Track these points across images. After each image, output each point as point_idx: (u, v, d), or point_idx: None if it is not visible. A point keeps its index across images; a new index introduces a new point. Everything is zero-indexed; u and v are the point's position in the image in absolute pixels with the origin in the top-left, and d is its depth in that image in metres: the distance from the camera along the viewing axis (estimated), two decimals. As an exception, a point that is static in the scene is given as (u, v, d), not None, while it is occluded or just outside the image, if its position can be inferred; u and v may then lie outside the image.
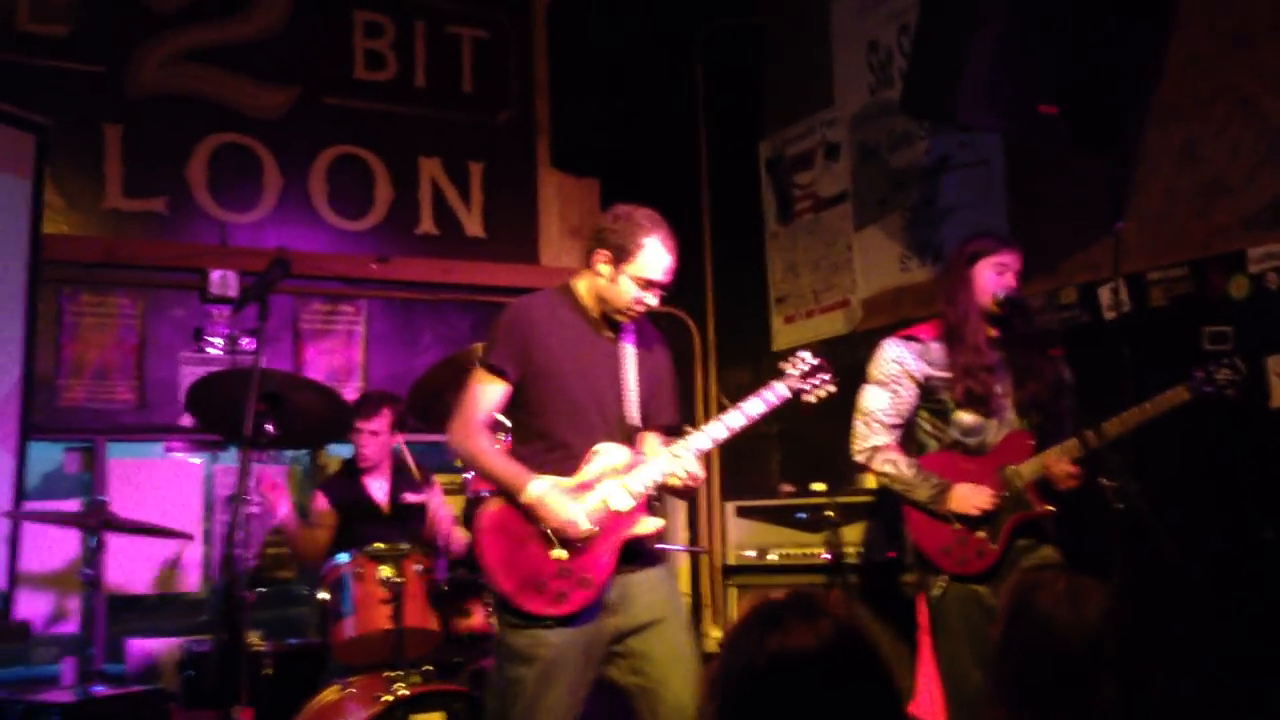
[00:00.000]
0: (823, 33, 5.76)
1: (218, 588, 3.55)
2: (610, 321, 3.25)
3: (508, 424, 3.37)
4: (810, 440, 5.32)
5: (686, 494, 3.28)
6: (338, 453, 5.33)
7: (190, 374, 4.89)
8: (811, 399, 3.30)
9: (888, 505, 4.08)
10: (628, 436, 3.21)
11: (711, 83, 6.43)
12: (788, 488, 5.68)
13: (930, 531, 3.56)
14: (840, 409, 3.69)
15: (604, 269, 3.17)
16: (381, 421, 4.51)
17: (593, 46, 6.07)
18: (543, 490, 3.03)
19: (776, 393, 3.26)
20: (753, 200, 6.19)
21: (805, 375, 3.29)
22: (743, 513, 5.11)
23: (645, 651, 3.13)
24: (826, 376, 3.30)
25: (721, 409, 6.10)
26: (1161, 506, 3.56)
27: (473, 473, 3.59)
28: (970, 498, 3.51)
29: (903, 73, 4.93)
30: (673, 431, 3.31)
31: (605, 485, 3.11)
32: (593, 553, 3.07)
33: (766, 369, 5.97)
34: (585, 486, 3.10)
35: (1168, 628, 3.80)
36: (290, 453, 5.40)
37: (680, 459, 3.11)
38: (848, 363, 3.85)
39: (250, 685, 3.61)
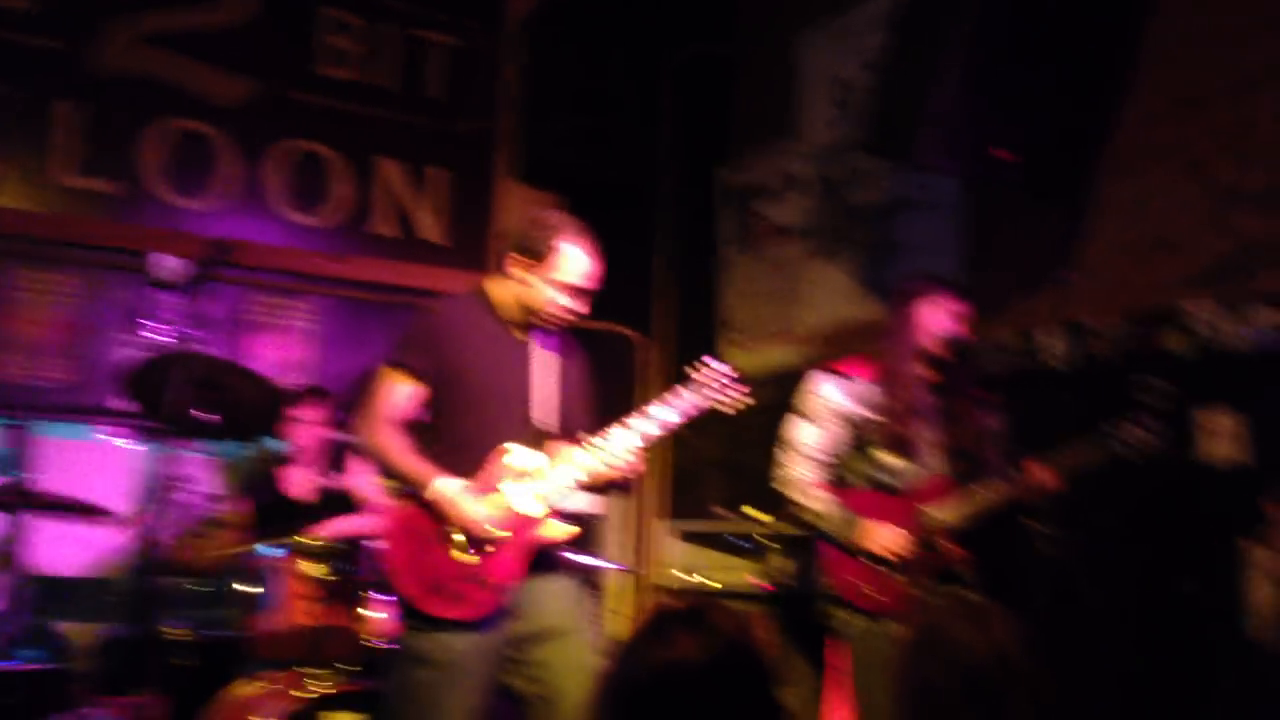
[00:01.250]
0: (791, 66, 5.82)
1: (130, 575, 3.48)
2: (523, 326, 3.23)
3: None
4: (749, 468, 5.32)
5: (622, 486, 3.24)
6: (276, 447, 5.26)
7: (128, 357, 4.81)
8: (727, 410, 3.26)
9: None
10: (537, 441, 3.17)
11: (679, 108, 6.47)
12: (722, 512, 5.68)
13: (844, 567, 3.57)
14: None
15: (518, 273, 3.16)
16: (314, 412, 4.46)
17: (565, 62, 6.08)
18: (450, 490, 2.99)
19: (689, 402, 3.21)
20: (712, 226, 6.21)
21: (716, 386, 3.25)
22: (685, 536, 5.11)
23: (545, 661, 3.10)
24: (744, 389, 3.26)
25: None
26: (1086, 553, 3.61)
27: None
28: (880, 536, 3.53)
29: (865, 110, 4.98)
30: (583, 440, 3.26)
31: (513, 488, 3.08)
32: (498, 557, 3.03)
33: (713, 395, 6.04)
34: (492, 489, 3.07)
35: (1084, 673, 3.83)
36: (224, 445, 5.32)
37: (603, 450, 3.08)
38: (792, 395, 3.88)
39: (167, 674, 3.54)
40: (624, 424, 3.15)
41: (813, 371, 3.88)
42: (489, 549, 3.02)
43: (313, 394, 4.53)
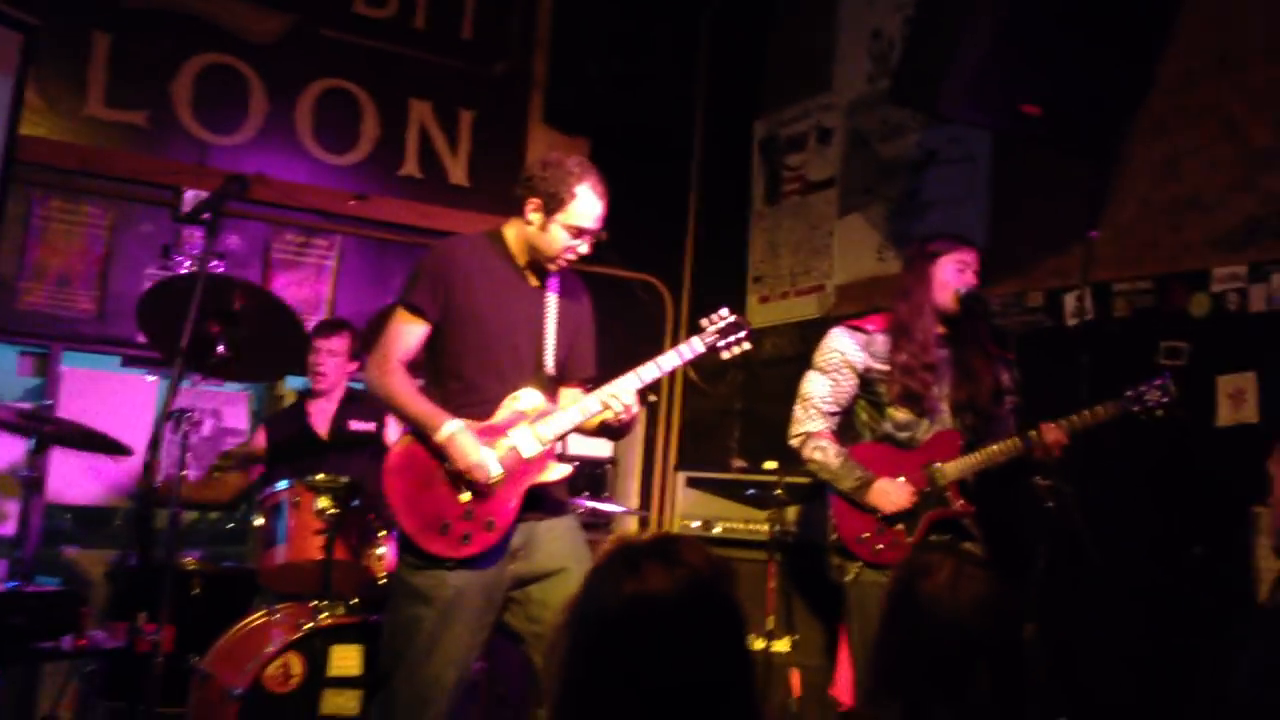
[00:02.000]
0: (829, 17, 5.74)
1: (144, 506, 3.53)
2: (537, 270, 3.23)
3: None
4: (768, 419, 5.32)
5: (620, 430, 3.25)
6: (294, 386, 5.32)
7: (154, 290, 4.86)
8: (726, 355, 3.27)
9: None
10: (543, 385, 3.19)
11: (714, 56, 6.41)
12: (740, 463, 5.70)
13: (851, 519, 3.58)
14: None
15: (535, 217, 3.14)
16: (339, 342, 4.48)
17: (600, 5, 6.02)
18: (455, 431, 3.02)
19: (692, 348, 3.24)
20: (742, 177, 6.17)
21: (722, 333, 3.27)
22: (693, 484, 5.13)
23: (544, 600, 3.13)
24: (743, 334, 3.28)
25: (687, 382, 6.18)
26: (1097, 513, 3.58)
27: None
28: (889, 494, 3.54)
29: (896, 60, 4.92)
30: (589, 385, 3.30)
31: (517, 431, 3.11)
32: (499, 497, 3.06)
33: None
34: (497, 431, 3.09)
35: (1087, 632, 3.82)
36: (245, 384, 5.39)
37: (617, 396, 3.10)
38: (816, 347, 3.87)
39: (176, 603, 3.60)
40: (633, 371, 3.17)
41: (830, 326, 3.88)
42: (486, 488, 3.05)
43: (336, 327, 4.55)
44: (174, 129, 5.24)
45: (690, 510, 5.02)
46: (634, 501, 5.96)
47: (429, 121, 5.85)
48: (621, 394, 3.11)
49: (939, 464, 3.57)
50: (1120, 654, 3.84)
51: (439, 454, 3.04)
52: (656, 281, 6.24)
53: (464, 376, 3.15)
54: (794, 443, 3.72)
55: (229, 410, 5.47)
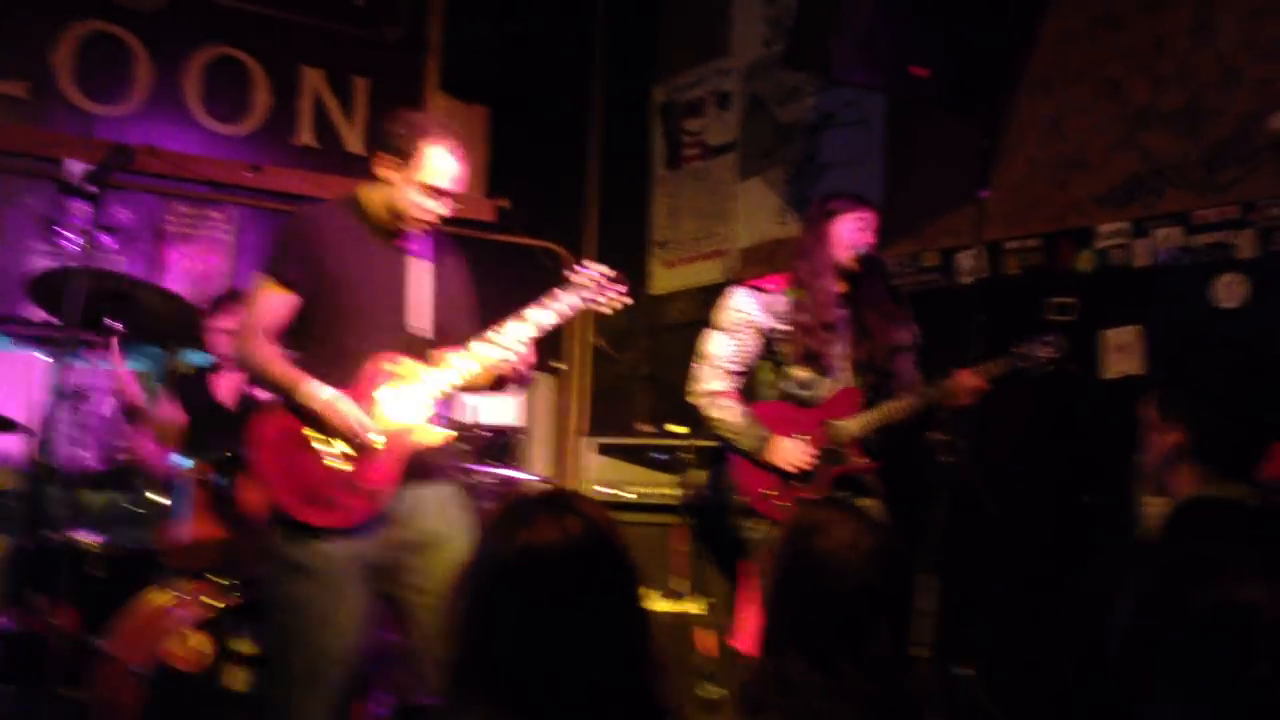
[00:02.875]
0: (725, -20, 5.75)
1: (38, 485, 3.43)
2: (399, 232, 3.15)
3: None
4: (676, 384, 5.37)
5: (516, 380, 3.21)
6: (194, 361, 5.20)
7: (38, 265, 4.72)
8: (606, 310, 3.24)
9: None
10: (414, 348, 3.13)
11: (610, 21, 6.39)
12: (648, 428, 5.74)
13: (754, 478, 3.64)
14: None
15: (389, 175, 3.07)
16: (232, 321, 4.40)
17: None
18: (327, 397, 2.96)
19: (567, 303, 3.18)
20: (643, 143, 6.18)
21: (600, 286, 3.22)
22: (603, 450, 5.15)
23: (424, 569, 3.06)
24: (622, 289, 3.23)
25: (594, 349, 6.20)
26: (991, 466, 3.70)
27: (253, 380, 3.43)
28: (788, 452, 3.60)
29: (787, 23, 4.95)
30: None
31: (388, 395, 3.05)
32: (375, 464, 3.01)
33: (643, 311, 6.06)
34: (368, 397, 3.04)
35: (984, 581, 3.94)
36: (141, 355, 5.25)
37: (512, 342, 3.06)
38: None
39: (78, 585, 3.52)
40: (500, 329, 3.12)
41: (730, 286, 3.92)
42: (363, 455, 3.00)
43: (228, 301, 4.46)
44: (56, 100, 5.07)
45: (600, 476, 5.04)
46: (543, 469, 5.98)
47: (323, 89, 5.74)
48: (513, 341, 3.08)
49: (840, 421, 3.65)
50: (1016, 601, 3.97)
51: (312, 422, 2.98)
52: (560, 249, 6.23)
53: (334, 344, 3.07)
54: (696, 401, 3.76)
55: (111, 384, 5.32)
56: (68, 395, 3.41)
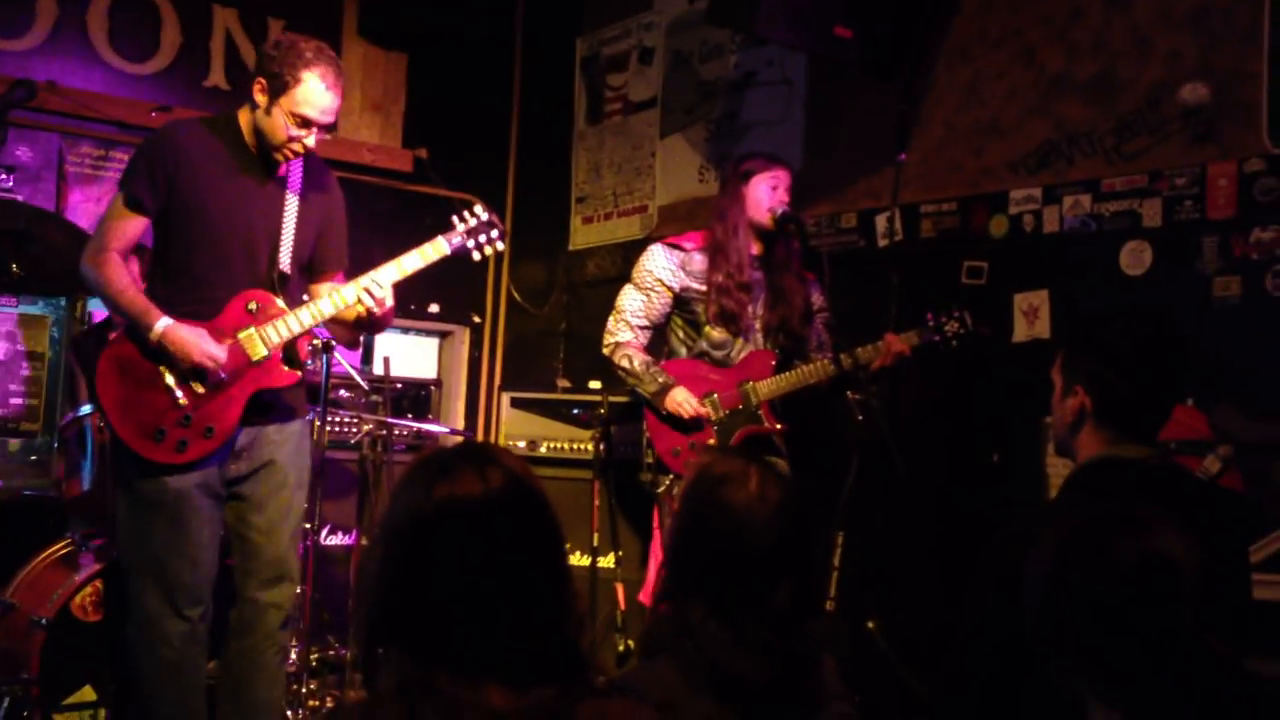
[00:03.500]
0: (649, -67, 5.70)
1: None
2: (270, 160, 3.08)
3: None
4: (592, 339, 5.37)
5: (377, 324, 3.19)
6: (96, 306, 5.05)
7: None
8: (477, 256, 3.26)
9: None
10: (276, 283, 3.08)
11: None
12: (564, 383, 5.74)
13: (664, 434, 3.68)
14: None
15: (260, 99, 3.01)
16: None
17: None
18: (174, 329, 2.90)
19: (438, 248, 3.20)
20: (564, 96, 6.12)
21: (472, 231, 3.24)
22: (517, 404, 5.13)
23: (259, 503, 3.09)
24: (495, 234, 3.27)
25: (512, 304, 6.16)
26: (905, 426, 3.76)
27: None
28: (682, 402, 3.63)
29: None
30: (344, 278, 3.24)
31: (244, 333, 3.01)
32: (219, 401, 2.97)
33: (561, 267, 6.03)
34: (223, 332, 2.99)
35: (894, 538, 4.02)
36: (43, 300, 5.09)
37: (377, 284, 3.06)
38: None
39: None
40: (392, 263, 3.12)
41: (649, 243, 3.93)
42: (209, 391, 2.96)
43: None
44: (-48, 32, 4.85)
45: (515, 430, 5.03)
46: (459, 423, 5.94)
47: (235, 29, 5.57)
48: (378, 283, 3.07)
49: (752, 382, 3.69)
50: (925, 558, 4.06)
51: (155, 355, 2.92)
52: (478, 201, 6.14)
53: (190, 272, 3.01)
54: (605, 351, 3.84)
55: (25, 334, 5.17)
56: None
